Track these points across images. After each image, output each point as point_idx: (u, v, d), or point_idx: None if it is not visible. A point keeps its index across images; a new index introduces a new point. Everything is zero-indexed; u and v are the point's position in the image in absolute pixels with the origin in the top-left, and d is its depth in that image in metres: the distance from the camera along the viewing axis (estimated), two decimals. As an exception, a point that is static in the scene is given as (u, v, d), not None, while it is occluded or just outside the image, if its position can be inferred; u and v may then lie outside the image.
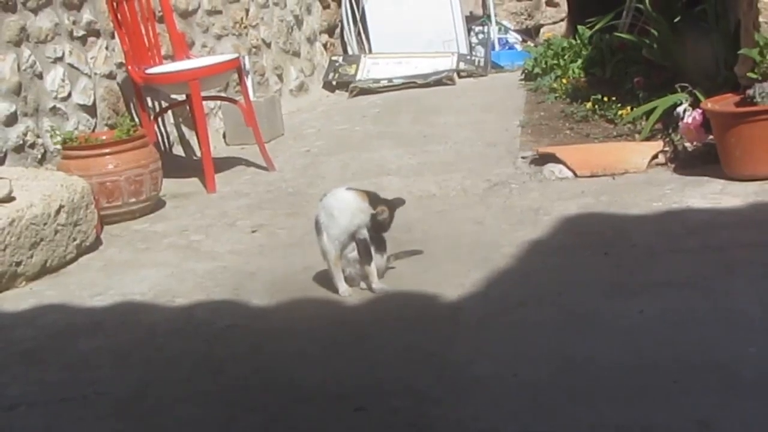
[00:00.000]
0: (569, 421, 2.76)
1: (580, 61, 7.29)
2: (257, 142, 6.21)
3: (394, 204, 3.98)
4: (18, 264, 4.32)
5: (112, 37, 6.07)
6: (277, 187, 5.74)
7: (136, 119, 6.02)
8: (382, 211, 3.89)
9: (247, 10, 7.61)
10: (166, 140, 6.51)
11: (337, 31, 9.09)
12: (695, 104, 5.22)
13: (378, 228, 3.92)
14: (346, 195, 3.91)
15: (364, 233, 3.91)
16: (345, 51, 9.04)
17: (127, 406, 3.16)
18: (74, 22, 5.79)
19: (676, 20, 6.00)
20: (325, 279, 4.02)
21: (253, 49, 7.62)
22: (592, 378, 3.00)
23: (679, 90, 5.47)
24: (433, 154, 6.04)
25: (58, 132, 5.36)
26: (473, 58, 8.83)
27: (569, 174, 5.25)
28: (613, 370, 3.04)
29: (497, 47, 9.12)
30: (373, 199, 3.93)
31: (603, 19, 7.24)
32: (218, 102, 6.83)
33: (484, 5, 9.24)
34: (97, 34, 5.98)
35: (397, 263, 4.17)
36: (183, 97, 6.18)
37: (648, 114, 5.64)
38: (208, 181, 5.79)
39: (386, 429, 2.83)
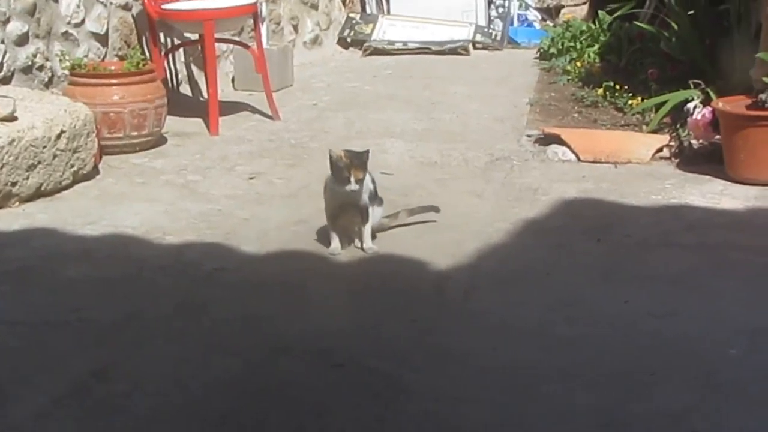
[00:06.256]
0: (543, 402, 2.77)
1: (596, 46, 7.26)
2: (265, 90, 6.19)
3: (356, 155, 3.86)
4: (13, 184, 4.32)
5: (131, -33, 6.04)
6: (280, 137, 5.72)
7: (147, 53, 5.99)
8: (339, 158, 3.81)
9: (270, -43, 7.56)
10: (174, 78, 6.48)
11: (358, -13, 9.04)
12: (706, 102, 5.20)
13: (337, 174, 3.82)
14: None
15: (363, 197, 3.90)
16: (363, 9, 8.98)
17: (108, 336, 3.18)
18: (94, -52, 5.75)
19: (697, 15, 5.96)
20: (318, 233, 4.02)
21: (272, -3, 7.58)
22: (572, 361, 3.01)
23: (691, 86, 5.45)
24: (440, 122, 6.03)
25: (67, 57, 5.34)
26: (490, 31, 8.79)
27: (572, 157, 5.24)
28: (593, 356, 3.05)
29: (516, 23, 9.07)
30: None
31: (625, 6, 7.19)
32: (230, 45, 6.79)
33: (508, -21, 9.19)
34: (116, -37, 5.95)
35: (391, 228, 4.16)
36: (196, 36, 6.16)
37: (658, 107, 5.62)
38: (212, 123, 5.77)
39: (361, 387, 2.84)
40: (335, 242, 3.92)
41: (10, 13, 5.11)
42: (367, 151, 3.89)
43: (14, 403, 2.78)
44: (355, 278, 3.74)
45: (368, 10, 8.93)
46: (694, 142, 5.20)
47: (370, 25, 8.63)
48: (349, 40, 8.59)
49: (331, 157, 3.83)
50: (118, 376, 2.92)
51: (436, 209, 4.21)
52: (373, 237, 3.97)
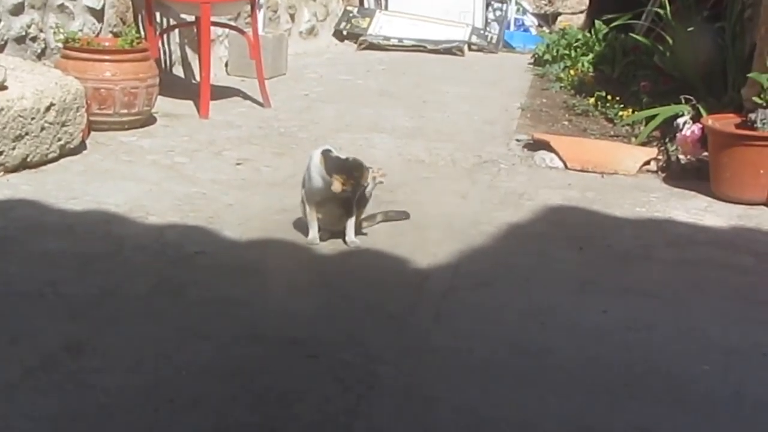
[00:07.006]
0: (513, 406, 2.77)
1: (591, 55, 7.29)
2: (258, 77, 6.18)
3: (351, 170, 3.80)
4: (-1, 153, 4.31)
5: (131, -55, 6.01)
6: (269, 125, 5.72)
7: (142, 32, 5.98)
8: (338, 182, 3.77)
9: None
10: (168, 59, 6.46)
11: (357, -19, 9.04)
12: (696, 118, 5.22)
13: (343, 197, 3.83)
14: (315, 159, 3.84)
15: (346, 191, 3.87)
16: (361, 3, 8.99)
17: (83, 311, 3.16)
18: None
19: (692, 31, 5.98)
20: (300, 224, 4.01)
21: (270, -16, 7.57)
22: (545, 368, 3.01)
23: (683, 101, 5.46)
24: (430, 121, 6.03)
25: (62, 30, 5.32)
26: (486, 33, 8.80)
27: (559, 164, 5.25)
28: (566, 364, 3.05)
29: (512, 27, 9.10)
30: (331, 166, 3.79)
31: (622, 17, 7.21)
32: (226, 30, 6.78)
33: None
34: (116, -62, 5.93)
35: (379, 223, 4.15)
36: (192, 18, 6.14)
37: (648, 120, 5.64)
38: (203, 106, 5.76)
39: (333, 380, 2.84)
40: (313, 232, 3.91)
41: (7, -19, 5.09)
42: (360, 163, 3.84)
43: (-16, 372, 2.77)
44: (335, 271, 3.73)
45: (366, 4, 8.94)
46: (681, 157, 5.21)
47: (367, 20, 8.64)
48: (345, 32, 8.59)
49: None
50: (90, 352, 2.91)
51: (407, 215, 4.23)
52: (360, 232, 3.97)
